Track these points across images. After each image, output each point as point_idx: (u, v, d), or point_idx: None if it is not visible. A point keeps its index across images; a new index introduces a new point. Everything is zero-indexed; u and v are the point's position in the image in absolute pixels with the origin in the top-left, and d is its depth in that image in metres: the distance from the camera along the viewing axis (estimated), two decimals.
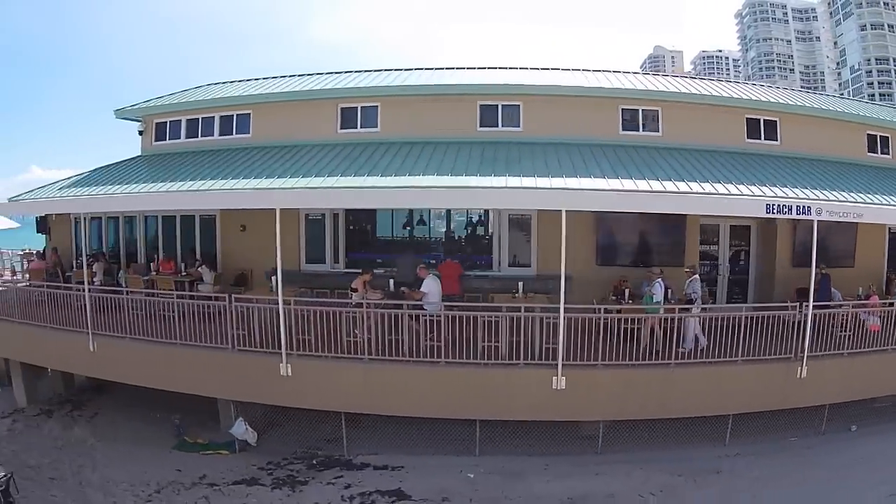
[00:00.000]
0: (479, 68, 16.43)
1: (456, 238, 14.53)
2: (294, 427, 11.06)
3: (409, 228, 14.44)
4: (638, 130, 15.47)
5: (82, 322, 11.35)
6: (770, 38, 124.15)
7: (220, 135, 16.51)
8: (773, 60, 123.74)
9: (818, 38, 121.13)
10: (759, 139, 16.02)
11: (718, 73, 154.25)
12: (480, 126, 14.78)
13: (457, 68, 16.66)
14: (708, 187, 13.11)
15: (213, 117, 16.65)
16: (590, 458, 10.04)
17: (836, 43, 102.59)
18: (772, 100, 16.86)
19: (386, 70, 17.07)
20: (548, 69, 16.57)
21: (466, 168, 12.96)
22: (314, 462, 10.35)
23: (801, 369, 9.78)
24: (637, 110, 15.49)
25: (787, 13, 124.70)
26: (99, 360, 11.28)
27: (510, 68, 16.46)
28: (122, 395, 13.25)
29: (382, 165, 13.33)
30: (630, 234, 13.55)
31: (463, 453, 10.15)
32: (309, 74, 17.80)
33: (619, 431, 10.28)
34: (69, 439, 11.76)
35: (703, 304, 11.20)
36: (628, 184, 12.74)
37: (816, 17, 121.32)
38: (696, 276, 11.50)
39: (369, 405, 9.92)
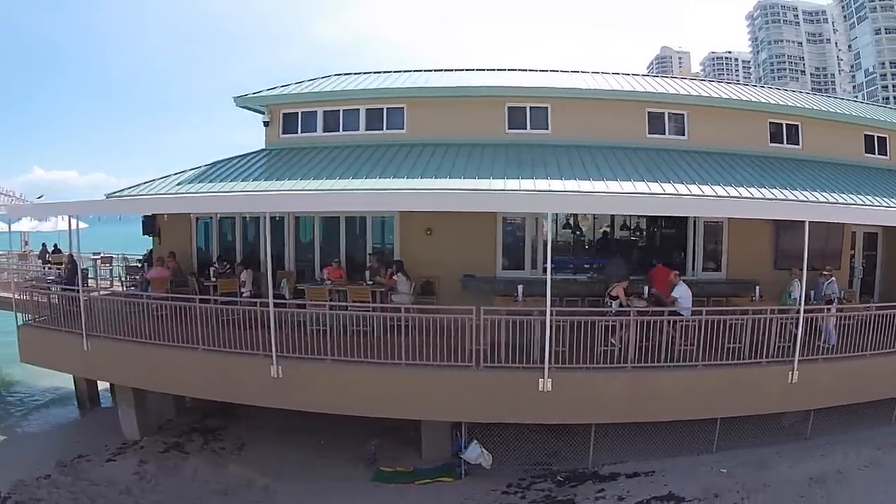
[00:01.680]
0: (644, 75, 16.88)
1: (649, 243, 14.83)
2: (508, 444, 10.43)
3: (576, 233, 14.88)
4: (782, 143, 16.11)
5: (254, 343, 9.86)
6: (782, 40, 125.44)
7: (367, 129, 15.61)
8: (784, 62, 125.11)
9: (828, 41, 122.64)
10: (874, 154, 17.01)
11: (728, 75, 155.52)
12: (649, 133, 15.20)
13: (621, 73, 16.86)
14: (865, 199, 14.04)
15: (358, 110, 15.68)
16: (805, 444, 10.61)
17: (850, 46, 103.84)
18: (886, 119, 17.66)
19: (551, 70, 17.02)
20: (706, 80, 17.20)
21: (634, 173, 13.38)
22: (559, 479, 10.10)
23: None
24: (782, 125, 16.11)
25: (797, 15, 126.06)
26: (284, 387, 9.78)
27: (673, 77, 17.01)
28: (257, 418, 11.82)
29: (552, 170, 13.39)
30: (800, 240, 14.23)
31: (702, 452, 10.43)
32: (466, 70, 17.39)
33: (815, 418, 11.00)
34: (228, 481, 10.03)
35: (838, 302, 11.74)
36: (807, 194, 13.54)
37: (826, 19, 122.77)
38: (833, 277, 12.19)
39: (631, 414, 9.90)
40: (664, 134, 15.23)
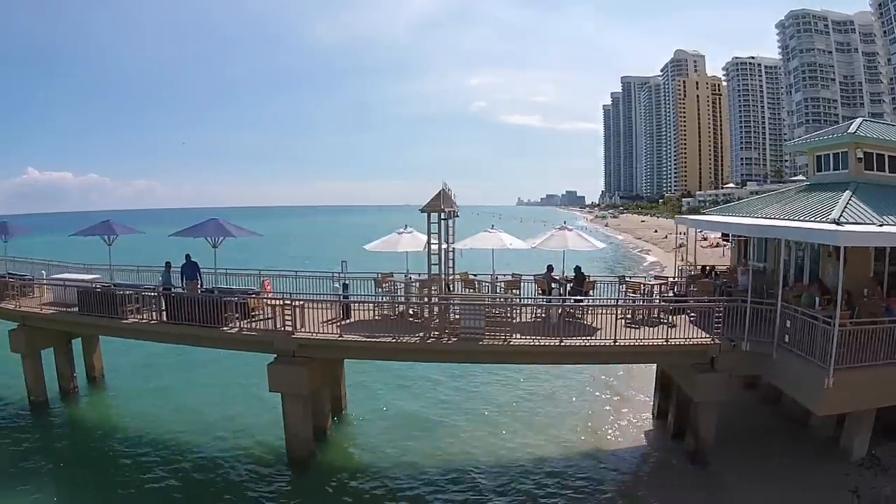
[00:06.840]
0: None
1: None
2: None
3: None
4: None
5: None
6: (812, 49, 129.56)
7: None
8: (815, 70, 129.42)
9: (856, 50, 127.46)
10: None
11: (751, 80, 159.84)
12: None
13: None
14: None
15: (872, 153, 16.68)
16: None
17: (889, 59, 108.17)
18: None
19: None
20: None
21: None
22: None
23: None
24: None
25: (827, 25, 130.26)
26: None
27: None
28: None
29: None
30: None
31: None
32: None
33: None
34: None
35: None
36: None
37: (854, 29, 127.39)
38: None
39: None
40: None
